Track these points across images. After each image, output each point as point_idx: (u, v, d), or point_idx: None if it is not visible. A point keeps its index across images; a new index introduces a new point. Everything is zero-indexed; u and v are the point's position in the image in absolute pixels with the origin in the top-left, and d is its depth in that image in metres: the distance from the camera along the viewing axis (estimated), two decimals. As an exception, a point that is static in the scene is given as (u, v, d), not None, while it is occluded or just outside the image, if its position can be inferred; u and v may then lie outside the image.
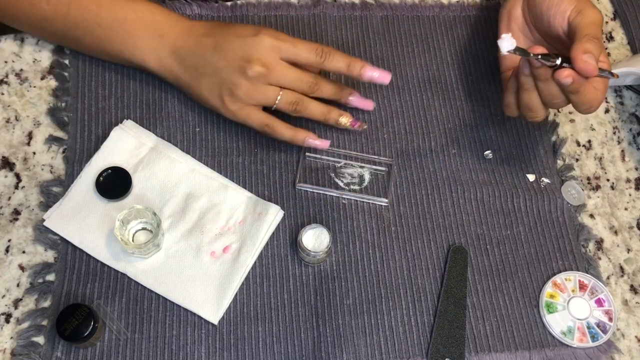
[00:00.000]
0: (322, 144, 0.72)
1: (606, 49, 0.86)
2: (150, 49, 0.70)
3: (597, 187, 0.78)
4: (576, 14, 0.66)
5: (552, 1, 0.69)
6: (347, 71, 0.70)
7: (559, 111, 0.81)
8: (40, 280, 0.66)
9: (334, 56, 0.69)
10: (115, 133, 0.72)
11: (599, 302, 0.71)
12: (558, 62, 0.63)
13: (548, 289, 0.71)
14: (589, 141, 0.80)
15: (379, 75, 0.70)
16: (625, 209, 0.77)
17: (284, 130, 0.71)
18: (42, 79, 0.75)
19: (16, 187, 0.70)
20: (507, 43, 0.61)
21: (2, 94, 0.74)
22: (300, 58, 0.68)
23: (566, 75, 0.62)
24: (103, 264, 0.67)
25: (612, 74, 0.66)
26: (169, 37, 0.69)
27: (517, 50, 0.61)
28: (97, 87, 0.75)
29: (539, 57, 0.62)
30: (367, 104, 0.75)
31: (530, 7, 0.72)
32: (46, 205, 0.69)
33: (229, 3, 0.81)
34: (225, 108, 0.69)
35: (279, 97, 0.69)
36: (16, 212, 0.69)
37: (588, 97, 0.65)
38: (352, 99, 0.74)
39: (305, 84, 0.69)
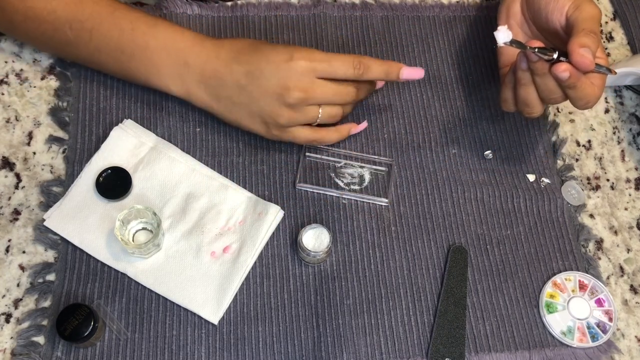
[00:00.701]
0: (363, 125, 0.74)
1: (606, 49, 0.86)
2: (176, 78, 0.68)
3: (597, 187, 0.78)
4: (574, 9, 0.66)
5: None
6: (386, 78, 0.69)
7: (558, 111, 0.82)
8: (41, 280, 0.66)
9: (371, 66, 0.67)
10: (115, 133, 0.72)
11: (599, 302, 0.71)
12: (555, 56, 0.63)
13: (548, 289, 0.71)
14: (589, 141, 0.80)
15: (416, 73, 0.70)
16: (625, 209, 0.77)
17: (332, 137, 0.72)
18: (42, 79, 0.75)
19: (16, 187, 0.70)
20: (503, 35, 0.61)
21: (2, 94, 0.74)
22: (338, 76, 0.67)
23: (563, 69, 0.62)
24: (103, 264, 0.67)
25: (610, 70, 0.66)
26: (195, 66, 0.67)
27: (514, 42, 0.61)
28: (98, 87, 0.75)
29: (536, 50, 0.62)
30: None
31: (529, 3, 0.72)
32: (46, 205, 0.69)
33: (229, 3, 0.81)
34: (270, 134, 0.69)
35: (319, 115, 0.68)
36: (16, 212, 0.69)
37: (585, 92, 0.64)
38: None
39: (345, 97, 0.69)
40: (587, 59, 0.61)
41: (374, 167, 0.75)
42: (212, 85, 0.67)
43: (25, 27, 0.69)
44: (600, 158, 0.80)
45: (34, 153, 0.72)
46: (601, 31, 0.87)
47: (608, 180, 0.79)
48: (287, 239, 0.70)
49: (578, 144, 0.80)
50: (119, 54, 0.68)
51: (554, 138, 0.80)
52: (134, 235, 0.68)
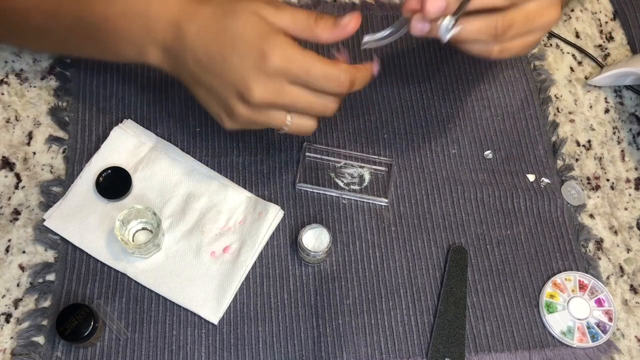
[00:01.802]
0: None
1: (606, 49, 0.86)
2: (141, 46, 0.60)
3: (597, 187, 0.78)
4: None
5: None
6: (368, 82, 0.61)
7: (558, 111, 0.82)
8: (40, 280, 0.66)
9: (356, 79, 0.58)
10: (115, 133, 0.72)
11: (599, 302, 0.71)
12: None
13: (548, 289, 0.71)
14: (589, 141, 0.80)
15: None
16: (625, 209, 0.77)
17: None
18: (42, 79, 0.75)
19: (16, 187, 0.70)
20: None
21: (2, 94, 0.74)
22: (316, 88, 0.57)
23: (413, 23, 0.57)
24: (103, 264, 0.67)
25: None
26: (157, 31, 0.59)
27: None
28: (98, 87, 0.75)
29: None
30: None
31: None
32: (46, 205, 0.69)
33: (229, 3, 0.81)
34: (224, 126, 0.61)
35: (288, 123, 0.60)
36: (16, 212, 0.69)
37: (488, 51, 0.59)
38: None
39: (322, 110, 0.59)
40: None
41: (374, 167, 0.75)
42: (173, 57, 0.60)
43: (4, 22, 0.66)
44: (600, 158, 0.80)
45: (34, 153, 0.72)
46: (601, 31, 0.87)
47: (608, 180, 0.79)
48: (287, 239, 0.70)
49: (578, 144, 0.80)
50: (87, 30, 0.62)
51: (554, 138, 0.80)
52: (134, 235, 0.68)
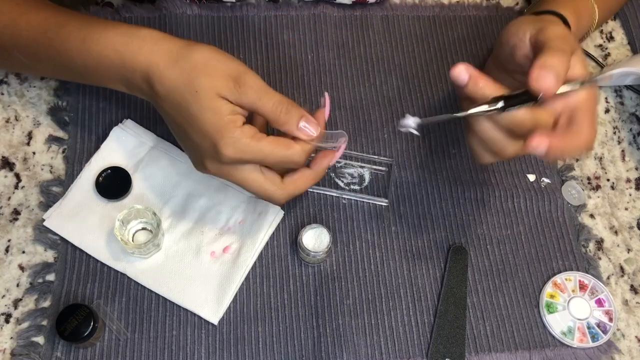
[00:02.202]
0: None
1: (606, 49, 0.86)
2: (126, 88, 0.62)
3: (597, 187, 0.78)
4: (537, 32, 0.59)
5: (511, 30, 0.62)
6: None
7: (559, 111, 0.82)
8: (40, 280, 0.66)
9: (307, 155, 0.60)
10: (115, 132, 0.72)
11: (599, 302, 0.71)
12: (500, 105, 0.54)
13: (548, 289, 0.71)
14: (589, 141, 0.80)
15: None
16: (626, 209, 0.77)
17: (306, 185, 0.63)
18: (41, 78, 0.75)
19: (16, 187, 0.70)
20: (410, 121, 0.56)
21: (2, 94, 0.74)
22: (273, 166, 0.60)
23: (536, 143, 0.54)
24: (103, 264, 0.67)
25: (584, 82, 0.57)
26: (135, 81, 0.60)
27: (425, 120, 0.55)
28: (98, 87, 0.75)
29: (470, 112, 0.55)
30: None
31: (497, 54, 0.66)
32: (46, 205, 0.69)
33: (229, 3, 0.81)
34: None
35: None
36: (16, 212, 0.69)
37: (573, 148, 0.56)
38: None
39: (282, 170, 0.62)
40: (545, 82, 0.53)
41: (374, 167, 0.75)
42: (154, 103, 0.62)
43: None
44: (601, 158, 0.80)
45: (34, 153, 0.72)
46: (601, 31, 0.87)
47: (608, 180, 0.79)
48: (287, 239, 0.70)
49: (578, 144, 0.80)
50: (70, 72, 0.65)
51: (554, 138, 0.80)
52: (133, 235, 0.67)
